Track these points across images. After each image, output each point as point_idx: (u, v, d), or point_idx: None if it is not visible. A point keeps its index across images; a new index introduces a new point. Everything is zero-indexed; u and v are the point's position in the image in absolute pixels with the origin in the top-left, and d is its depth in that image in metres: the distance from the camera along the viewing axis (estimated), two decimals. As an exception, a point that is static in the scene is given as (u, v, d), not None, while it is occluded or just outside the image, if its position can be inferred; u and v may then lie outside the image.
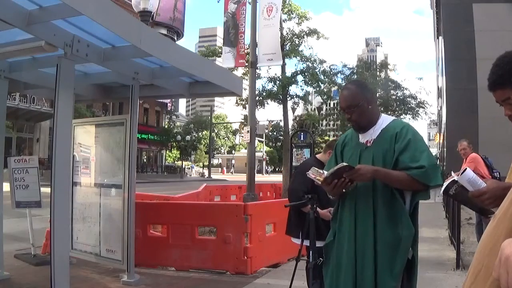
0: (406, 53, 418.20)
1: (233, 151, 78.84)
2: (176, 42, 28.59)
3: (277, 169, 70.55)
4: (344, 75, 21.60)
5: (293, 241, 4.00)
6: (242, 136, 20.05)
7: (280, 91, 17.11)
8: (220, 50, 16.87)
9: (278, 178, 26.47)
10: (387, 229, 2.27)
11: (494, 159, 6.63)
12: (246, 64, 14.35)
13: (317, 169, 2.43)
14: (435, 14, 32.03)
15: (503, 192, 1.35)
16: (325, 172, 2.34)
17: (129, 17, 3.88)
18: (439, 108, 33.39)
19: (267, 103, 18.17)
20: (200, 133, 57.11)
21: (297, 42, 17.27)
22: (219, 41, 76.40)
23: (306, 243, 3.49)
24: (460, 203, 1.93)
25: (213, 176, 48.12)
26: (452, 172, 1.94)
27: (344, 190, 2.35)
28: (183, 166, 50.67)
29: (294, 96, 18.46)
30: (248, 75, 14.01)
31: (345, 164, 2.29)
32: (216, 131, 70.72)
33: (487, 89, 1.60)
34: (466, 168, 1.70)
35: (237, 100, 19.52)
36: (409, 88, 24.83)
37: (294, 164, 14.58)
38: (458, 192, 1.73)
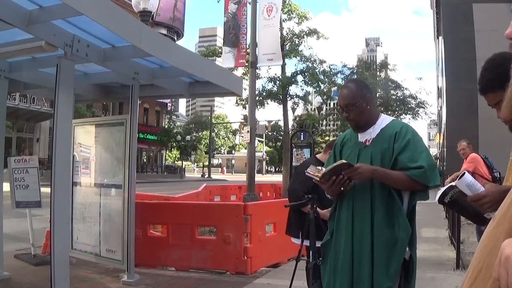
0: (404, 53, 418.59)
1: (233, 151, 78.83)
2: (176, 42, 28.59)
3: (277, 169, 70.48)
4: (344, 75, 21.61)
5: (293, 241, 4.00)
6: (242, 136, 20.04)
7: (280, 91, 17.11)
8: (220, 50, 16.87)
9: (277, 178, 26.47)
10: (384, 230, 2.27)
11: (494, 159, 6.63)
12: (246, 64, 14.35)
13: (315, 166, 2.43)
14: (435, 14, 32.02)
15: (502, 196, 1.34)
16: (324, 169, 2.34)
17: (129, 17, 3.88)
18: (439, 108, 33.37)
19: (267, 103, 18.17)
20: (200, 133, 57.11)
21: (297, 42, 17.28)
22: (219, 41, 76.36)
23: (306, 243, 3.49)
24: (455, 211, 1.89)
25: (213, 176, 48.14)
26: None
27: (342, 189, 2.35)
28: (183, 166, 50.67)
29: (294, 96, 18.47)
30: (248, 75, 14.01)
31: (344, 161, 2.29)
32: (216, 131, 70.70)
33: (479, 93, 1.58)
34: (464, 172, 1.67)
35: (237, 100, 19.52)
36: (409, 88, 24.85)
37: (294, 164, 14.59)
38: (456, 197, 1.69)
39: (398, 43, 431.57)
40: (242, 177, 20.49)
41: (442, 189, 1.73)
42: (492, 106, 1.57)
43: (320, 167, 2.41)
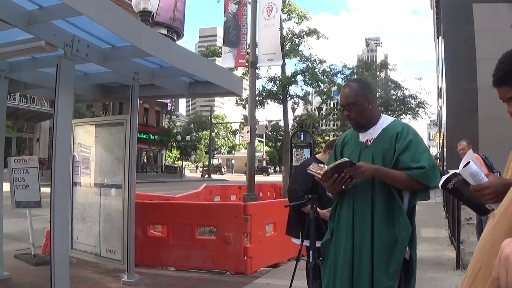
0: (403, 53, 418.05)
1: (233, 151, 78.80)
2: (176, 42, 28.58)
3: (276, 169, 70.28)
4: (344, 75, 21.60)
5: (293, 241, 4.00)
6: (242, 136, 20.04)
7: (280, 91, 17.11)
8: (220, 50, 16.87)
9: (276, 178, 26.47)
10: (384, 229, 2.28)
11: (494, 159, 6.63)
12: (246, 64, 14.35)
13: (318, 164, 2.44)
14: (435, 14, 32.01)
15: (505, 189, 1.34)
16: (326, 167, 2.35)
17: (129, 17, 3.88)
18: (439, 108, 33.37)
19: (267, 103, 18.16)
20: (200, 133, 57.11)
21: (297, 42, 17.27)
22: (219, 41, 76.28)
23: (306, 243, 3.49)
24: (457, 198, 1.87)
25: (213, 176, 48.15)
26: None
27: (343, 187, 2.35)
28: (183, 166, 50.64)
29: (294, 96, 18.47)
30: (248, 75, 14.01)
31: (346, 159, 2.30)
32: (216, 131, 70.67)
33: (492, 85, 1.58)
34: (469, 161, 1.67)
35: (237, 100, 19.53)
36: (409, 88, 24.84)
37: (294, 164, 14.59)
38: (459, 185, 1.67)
39: (397, 43, 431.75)
40: (242, 177, 20.48)
41: (446, 175, 1.71)
42: (504, 100, 1.57)
43: (322, 165, 2.42)
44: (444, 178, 1.72)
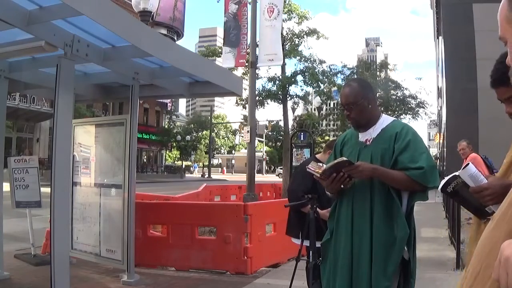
0: (403, 53, 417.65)
1: (233, 151, 78.80)
2: (176, 42, 28.58)
3: (273, 169, 70.18)
4: (344, 75, 21.61)
5: (293, 241, 4.00)
6: (242, 136, 20.04)
7: (280, 91, 17.12)
8: (220, 50, 16.88)
9: (273, 178, 26.45)
10: (383, 229, 2.28)
11: (494, 159, 6.62)
12: (246, 64, 14.35)
13: (317, 163, 2.44)
14: (435, 14, 32.00)
15: (505, 190, 1.33)
16: (325, 166, 2.35)
17: (129, 17, 3.89)
18: (439, 108, 33.37)
19: (267, 103, 18.17)
20: (200, 133, 57.11)
21: (297, 42, 17.28)
22: (219, 41, 76.34)
23: (306, 243, 3.49)
24: (456, 201, 1.87)
25: (213, 176, 48.15)
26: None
27: (342, 186, 2.36)
28: (183, 166, 50.66)
29: (294, 96, 18.46)
30: (248, 75, 14.01)
31: (345, 158, 2.30)
32: (216, 131, 70.67)
33: (490, 86, 1.57)
34: (468, 163, 1.66)
35: (237, 100, 19.53)
36: (409, 88, 24.86)
37: (294, 164, 14.60)
38: (458, 188, 1.67)
39: (396, 43, 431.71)
40: (242, 177, 20.48)
41: (446, 178, 1.70)
42: (502, 101, 1.56)
43: (321, 164, 2.43)
44: (443, 181, 1.71)
